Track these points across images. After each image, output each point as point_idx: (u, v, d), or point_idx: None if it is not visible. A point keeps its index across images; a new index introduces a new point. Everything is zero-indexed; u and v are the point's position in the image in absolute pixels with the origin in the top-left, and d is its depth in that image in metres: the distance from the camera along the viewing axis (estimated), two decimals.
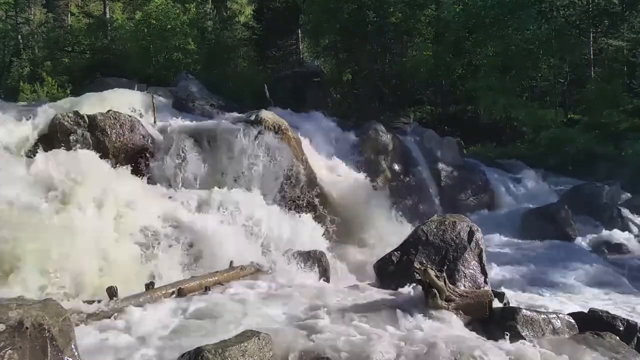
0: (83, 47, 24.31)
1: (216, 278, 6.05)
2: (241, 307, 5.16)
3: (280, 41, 23.35)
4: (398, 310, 5.04)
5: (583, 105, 19.38)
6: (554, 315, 5.30)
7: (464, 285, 6.13)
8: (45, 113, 9.06)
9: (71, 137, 8.64)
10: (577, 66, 20.45)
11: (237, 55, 23.93)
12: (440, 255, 6.47)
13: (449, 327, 4.83)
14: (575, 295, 8.28)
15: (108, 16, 25.09)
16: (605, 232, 11.95)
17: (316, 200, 9.64)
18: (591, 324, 5.36)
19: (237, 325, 4.58)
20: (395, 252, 6.77)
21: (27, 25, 26.42)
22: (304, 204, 9.42)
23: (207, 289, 5.80)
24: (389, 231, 10.28)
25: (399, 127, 16.01)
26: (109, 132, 8.90)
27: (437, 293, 5.04)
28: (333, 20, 20.13)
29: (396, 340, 4.37)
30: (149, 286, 5.55)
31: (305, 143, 10.85)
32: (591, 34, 19.94)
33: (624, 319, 5.57)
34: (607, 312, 5.68)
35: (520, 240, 11.60)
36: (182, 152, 9.23)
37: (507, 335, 4.88)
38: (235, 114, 11.79)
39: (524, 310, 5.19)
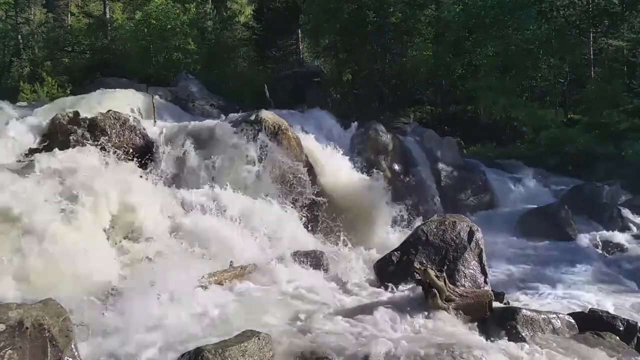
0: (83, 47, 24.31)
1: (216, 278, 6.05)
2: (241, 307, 5.16)
3: (280, 41, 23.36)
4: (398, 310, 5.04)
5: (583, 105, 19.36)
6: (554, 315, 5.30)
7: (464, 285, 6.13)
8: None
9: (71, 137, 8.64)
10: (577, 66, 20.43)
11: (237, 55, 23.93)
12: (440, 255, 6.47)
13: (449, 327, 4.83)
14: (575, 295, 8.27)
15: (108, 16, 25.09)
16: (605, 232, 11.93)
17: (317, 200, 9.62)
18: (591, 324, 5.37)
19: (237, 325, 4.58)
20: (395, 252, 6.77)
21: (27, 25, 26.42)
22: (305, 204, 9.41)
23: (206, 289, 5.79)
24: (390, 231, 10.30)
25: (399, 127, 16.00)
26: (109, 132, 8.90)
27: (437, 293, 5.05)
28: (333, 20, 20.12)
29: (396, 340, 4.37)
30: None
31: (307, 142, 10.86)
32: (591, 34, 19.92)
33: (624, 319, 5.58)
34: (607, 312, 5.69)
35: (520, 240, 11.59)
36: (182, 152, 9.23)
37: (507, 335, 4.89)
38: (235, 114, 11.78)
39: (524, 310, 5.19)
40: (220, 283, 6.01)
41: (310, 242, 8.28)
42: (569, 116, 19.32)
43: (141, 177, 8.14)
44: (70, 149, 8.23)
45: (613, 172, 14.54)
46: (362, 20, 19.73)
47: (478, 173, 14.67)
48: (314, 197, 9.62)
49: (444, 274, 5.43)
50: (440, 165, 14.19)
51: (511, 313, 5.15)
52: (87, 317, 4.53)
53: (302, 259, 7.03)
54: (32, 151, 8.46)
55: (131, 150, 9.01)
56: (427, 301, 5.08)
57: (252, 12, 25.88)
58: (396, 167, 13.31)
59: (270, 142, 9.47)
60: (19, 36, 24.49)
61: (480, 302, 5.25)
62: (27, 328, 3.38)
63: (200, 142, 9.49)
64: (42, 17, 28.69)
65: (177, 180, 8.94)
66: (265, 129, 9.58)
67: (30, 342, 3.37)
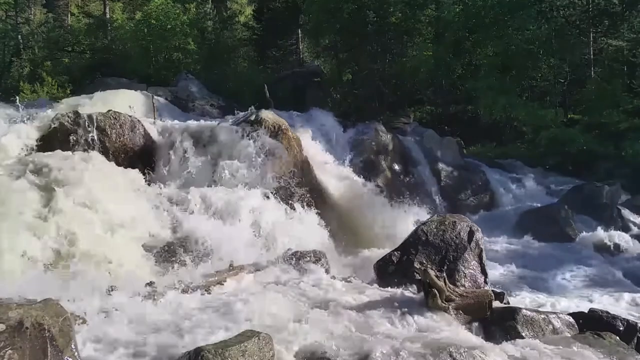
0: (83, 47, 24.30)
1: (216, 278, 6.05)
2: (241, 306, 5.15)
3: (280, 41, 23.36)
4: (398, 310, 5.04)
5: (583, 105, 19.34)
6: (554, 315, 5.30)
7: (464, 285, 6.13)
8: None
9: (71, 137, 8.64)
10: (577, 66, 20.41)
11: (237, 55, 23.93)
12: (440, 255, 6.47)
13: (449, 327, 4.83)
14: (575, 295, 8.27)
15: (108, 16, 25.08)
16: (605, 232, 11.93)
17: (316, 200, 9.62)
18: (591, 324, 5.37)
19: (237, 325, 4.58)
20: (395, 252, 6.76)
21: (27, 25, 26.40)
22: (304, 204, 9.41)
23: (207, 289, 5.80)
24: (389, 231, 10.30)
25: (399, 127, 16.01)
26: (109, 132, 8.90)
27: (437, 293, 5.05)
28: (333, 20, 20.12)
29: (396, 340, 4.37)
30: (149, 286, 5.55)
31: (307, 142, 10.88)
32: (591, 34, 19.91)
33: (624, 319, 5.58)
34: (607, 312, 5.68)
35: (520, 240, 11.58)
36: (182, 152, 9.23)
37: (507, 335, 4.89)
38: (235, 114, 11.79)
39: (524, 310, 5.20)
40: (220, 283, 6.02)
41: (310, 242, 8.26)
42: (569, 116, 19.30)
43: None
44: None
45: (613, 172, 14.54)
46: (362, 20, 19.72)
47: (478, 173, 14.68)
48: (313, 196, 9.61)
49: (444, 274, 5.43)
50: (440, 165, 14.20)
51: (511, 313, 5.15)
52: None
53: (302, 259, 7.03)
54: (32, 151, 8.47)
55: (131, 150, 9.02)
56: (427, 301, 5.08)
57: (252, 12, 25.87)
58: (396, 167, 13.31)
59: (270, 142, 9.47)
60: (19, 36, 24.45)
61: (480, 302, 5.25)
62: (27, 328, 3.37)
63: (200, 142, 9.50)
64: (42, 17, 28.68)
65: (177, 179, 8.94)
66: (265, 129, 9.59)
67: (30, 342, 3.37)
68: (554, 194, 14.21)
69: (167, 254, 7.02)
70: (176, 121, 11.26)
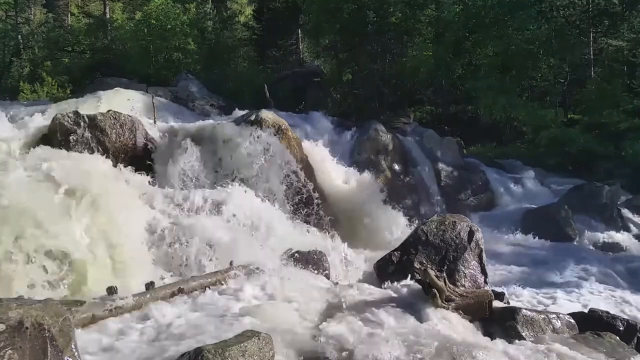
0: (83, 47, 24.32)
1: (216, 278, 6.05)
2: (241, 306, 5.16)
3: (280, 41, 23.37)
4: (398, 310, 5.04)
5: (583, 105, 19.36)
6: (554, 315, 5.31)
7: (464, 285, 6.14)
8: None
9: (71, 137, 8.64)
10: (577, 66, 20.42)
11: (237, 55, 23.94)
12: (440, 255, 6.47)
13: (449, 327, 4.83)
14: (575, 295, 8.27)
15: (108, 16, 25.09)
16: (605, 232, 11.95)
17: (316, 200, 9.62)
18: (591, 324, 5.37)
19: (237, 325, 4.58)
20: (395, 252, 6.77)
21: (27, 25, 26.42)
22: (304, 204, 9.41)
23: (207, 288, 5.80)
24: (389, 231, 10.30)
25: (399, 127, 16.00)
26: (109, 132, 8.90)
27: (437, 293, 5.05)
28: (333, 20, 20.13)
29: (396, 340, 4.37)
30: (149, 286, 5.54)
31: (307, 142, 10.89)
32: (591, 34, 19.92)
33: (624, 319, 5.58)
34: (607, 312, 5.68)
35: (520, 240, 11.59)
36: (182, 152, 9.22)
37: (507, 335, 4.89)
38: (235, 114, 11.79)
39: (524, 310, 5.20)
40: (220, 282, 6.02)
41: (310, 242, 8.26)
42: (569, 116, 19.31)
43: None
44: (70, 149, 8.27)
45: (613, 172, 14.55)
46: (362, 20, 19.73)
47: (478, 173, 14.68)
48: (313, 197, 9.61)
49: (444, 274, 5.43)
50: (440, 165, 14.20)
51: (511, 313, 5.15)
52: None
53: (302, 259, 7.03)
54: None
55: (131, 151, 9.01)
56: (427, 301, 5.08)
57: (252, 12, 25.88)
58: (396, 167, 13.31)
59: (270, 142, 9.47)
60: (19, 36, 24.47)
61: (480, 302, 5.25)
62: (27, 328, 3.37)
63: (200, 142, 9.49)
64: (42, 17, 28.70)
65: (176, 180, 8.93)
66: (265, 129, 9.59)
67: (30, 342, 3.36)
68: (554, 194, 14.21)
69: (167, 254, 7.02)
70: (176, 121, 11.27)
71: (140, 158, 8.97)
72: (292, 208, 9.17)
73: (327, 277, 7.02)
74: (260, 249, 7.46)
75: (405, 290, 5.70)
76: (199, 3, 23.69)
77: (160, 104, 13.78)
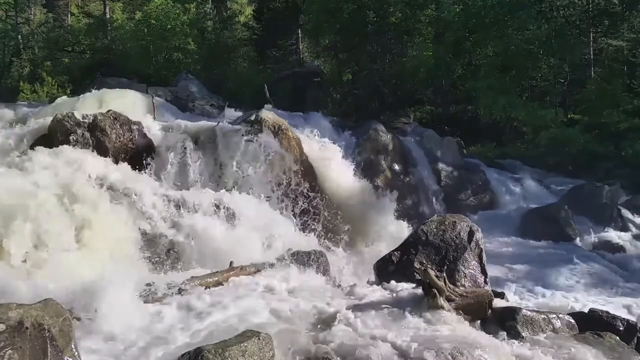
0: (83, 47, 24.32)
1: (216, 278, 6.05)
2: (241, 307, 5.16)
3: (280, 41, 23.36)
4: (398, 310, 5.04)
5: (583, 105, 19.35)
6: (554, 315, 5.30)
7: (464, 285, 6.13)
8: None
9: (71, 137, 8.64)
10: (577, 66, 20.43)
11: (237, 55, 23.95)
12: (440, 255, 6.46)
13: (449, 327, 4.82)
14: (575, 295, 8.26)
15: (108, 16, 25.09)
16: (605, 232, 11.94)
17: (316, 201, 9.62)
18: (591, 324, 5.36)
19: (237, 325, 4.58)
20: (395, 252, 6.76)
21: (27, 25, 26.42)
22: (304, 204, 9.40)
23: (206, 289, 5.80)
24: (389, 231, 10.30)
25: (399, 127, 15.98)
26: (108, 132, 8.90)
27: (437, 293, 5.04)
28: (333, 20, 20.14)
29: (396, 340, 4.37)
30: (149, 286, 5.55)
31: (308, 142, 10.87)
32: (591, 34, 19.92)
33: (624, 319, 5.58)
34: (607, 312, 5.68)
35: (520, 240, 11.58)
36: (182, 152, 9.22)
37: (507, 335, 4.89)
38: (235, 114, 11.79)
39: (524, 310, 5.19)
40: (220, 283, 6.02)
41: (310, 242, 8.27)
42: (569, 116, 19.31)
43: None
44: None
45: (613, 172, 14.54)
46: (362, 20, 19.74)
47: (478, 173, 14.67)
48: (314, 197, 9.61)
49: (444, 274, 5.42)
50: (440, 165, 14.19)
51: (511, 313, 5.15)
52: None
53: (302, 259, 7.03)
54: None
55: (131, 151, 9.01)
56: (427, 301, 5.08)
57: (252, 12, 25.88)
58: (396, 167, 13.29)
59: (270, 142, 9.47)
60: (19, 36, 24.47)
61: (480, 302, 5.24)
62: (27, 328, 3.37)
63: (200, 142, 9.49)
64: (42, 17, 28.70)
65: (176, 180, 8.94)
66: (265, 128, 9.58)
67: (30, 342, 3.37)
68: (554, 194, 14.20)
69: (167, 254, 7.03)
70: (176, 121, 11.25)
71: (140, 158, 8.97)
72: (291, 207, 9.16)
73: (327, 277, 7.03)
74: (260, 249, 7.47)
75: (405, 290, 5.70)
76: (199, 3, 23.69)
77: (160, 103, 13.77)
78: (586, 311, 5.80)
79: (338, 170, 10.68)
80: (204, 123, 10.53)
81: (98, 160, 8.28)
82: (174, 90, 17.10)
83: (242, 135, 9.45)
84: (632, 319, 5.82)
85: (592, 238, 11.79)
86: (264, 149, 9.35)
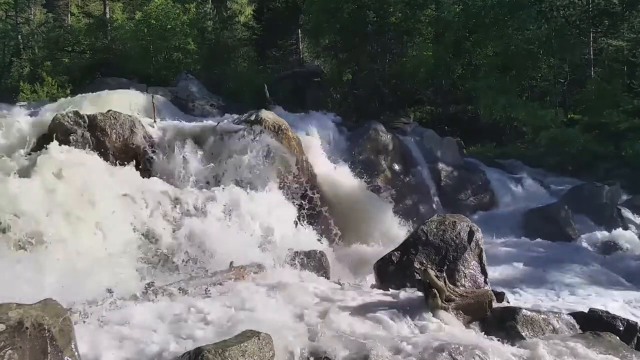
0: (83, 47, 24.30)
1: (216, 278, 6.05)
2: (241, 307, 5.16)
3: (280, 41, 23.35)
4: (398, 310, 5.04)
5: (583, 105, 19.34)
6: (554, 315, 5.30)
7: (464, 285, 6.13)
8: None
9: (71, 137, 8.64)
10: (577, 66, 20.41)
11: (237, 55, 23.93)
12: (440, 255, 6.46)
13: (449, 327, 4.83)
14: (575, 295, 8.28)
15: (108, 16, 25.07)
16: (605, 232, 11.95)
17: (317, 201, 9.63)
18: (591, 324, 5.36)
19: (238, 326, 4.58)
20: (395, 252, 6.76)
21: (27, 25, 26.41)
22: (304, 204, 9.41)
23: (207, 289, 5.80)
24: (389, 232, 10.30)
25: (399, 127, 16.00)
26: (109, 132, 8.90)
27: (437, 293, 5.04)
28: (333, 20, 20.14)
29: (396, 340, 4.37)
30: (149, 286, 5.54)
31: (308, 142, 10.90)
32: (591, 34, 19.91)
33: (624, 319, 5.57)
34: (607, 312, 5.67)
35: (520, 240, 11.60)
36: (182, 152, 9.23)
37: (507, 335, 4.89)
38: (235, 114, 11.79)
39: (524, 310, 5.19)
40: (220, 283, 6.01)
41: (310, 242, 8.27)
42: (569, 116, 19.30)
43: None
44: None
45: (613, 172, 14.55)
46: (362, 20, 19.74)
47: (478, 173, 14.68)
48: (314, 196, 9.61)
49: (444, 274, 5.42)
50: (440, 165, 14.20)
51: (511, 313, 5.14)
52: None
53: (302, 259, 7.04)
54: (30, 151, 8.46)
55: (131, 151, 9.01)
56: (427, 301, 5.07)
57: (252, 12, 25.87)
58: (396, 167, 13.32)
59: (270, 142, 9.47)
60: (19, 36, 24.47)
61: (480, 302, 5.24)
62: (27, 328, 3.37)
63: (200, 142, 9.50)
64: (42, 17, 28.68)
65: (177, 180, 8.94)
66: (265, 128, 9.58)
67: (30, 342, 3.36)
68: (554, 194, 14.21)
69: (167, 254, 7.03)
70: (176, 121, 11.26)
71: (140, 157, 8.97)
72: (291, 207, 9.16)
73: (327, 277, 7.03)
74: (260, 249, 7.47)
75: (405, 290, 5.70)
76: (199, 3, 23.68)
77: (160, 103, 13.78)
78: (586, 311, 5.79)
79: (317, 161, 10.73)
80: (204, 123, 10.54)
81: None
82: (174, 90, 17.14)
83: (243, 135, 9.46)
84: (632, 318, 5.82)
85: (592, 238, 11.80)
86: (264, 148, 9.35)
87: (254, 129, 9.55)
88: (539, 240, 11.48)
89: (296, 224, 8.86)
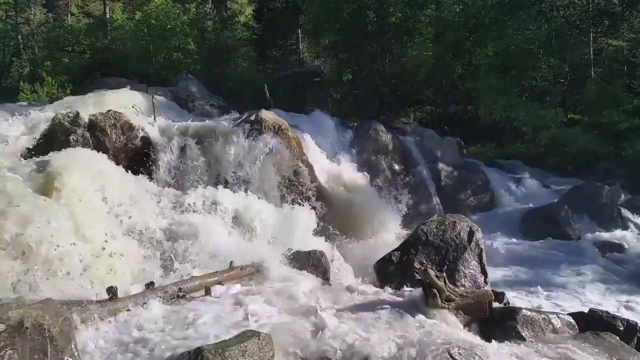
0: (83, 47, 24.30)
1: (216, 278, 6.05)
2: (241, 307, 5.16)
3: (280, 41, 23.35)
4: (398, 310, 5.04)
5: (583, 105, 19.34)
6: (554, 315, 5.31)
7: (464, 285, 6.13)
8: None
9: (71, 137, 8.64)
10: (577, 66, 20.40)
11: (237, 55, 23.93)
12: (440, 255, 6.46)
13: (449, 327, 4.83)
14: (575, 295, 8.28)
15: (108, 16, 25.08)
16: (605, 232, 11.95)
17: (317, 200, 9.62)
18: (591, 324, 5.37)
19: (237, 326, 4.58)
20: (395, 252, 6.76)
21: (27, 25, 26.41)
22: (305, 204, 9.40)
23: (207, 289, 5.80)
24: (389, 231, 10.30)
25: (399, 127, 16.00)
26: (109, 132, 8.90)
27: (437, 293, 5.04)
28: (333, 20, 20.14)
29: (396, 340, 4.37)
30: (149, 286, 5.54)
31: (309, 143, 10.90)
32: (591, 34, 19.90)
33: (624, 319, 5.58)
34: (607, 312, 5.68)
35: (520, 240, 11.60)
36: (182, 152, 9.22)
37: (507, 335, 4.89)
38: (235, 114, 11.80)
39: (524, 310, 5.20)
40: (220, 283, 6.01)
41: (310, 242, 8.26)
42: (569, 116, 19.29)
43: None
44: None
45: (613, 172, 14.54)
46: (362, 20, 19.74)
47: (478, 173, 14.68)
48: (314, 196, 9.61)
49: (444, 274, 5.43)
50: (440, 165, 14.20)
51: (511, 313, 5.15)
52: None
53: (302, 259, 7.03)
54: (30, 151, 8.46)
55: (131, 150, 9.01)
56: (427, 301, 5.08)
57: (252, 12, 25.87)
58: (396, 167, 13.31)
59: (270, 142, 9.47)
60: (19, 36, 24.47)
61: (480, 302, 5.25)
62: (27, 328, 3.37)
63: (200, 142, 9.49)
64: (42, 17, 28.67)
65: (177, 180, 8.94)
66: (265, 129, 9.58)
67: (30, 342, 3.36)
68: (554, 194, 14.21)
69: (167, 254, 7.02)
70: (176, 121, 11.26)
71: (140, 157, 8.97)
72: (291, 207, 9.16)
73: (327, 276, 7.02)
74: (260, 249, 7.46)
75: (405, 290, 5.70)
76: (199, 3, 23.68)
77: (160, 103, 13.78)
78: (586, 311, 5.80)
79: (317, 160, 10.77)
80: (205, 123, 10.54)
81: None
82: (174, 90, 17.14)
83: (242, 134, 9.46)
84: (632, 318, 5.82)
85: (592, 238, 11.79)
86: (264, 148, 9.35)
87: (254, 129, 9.54)
88: (539, 240, 11.48)
89: (296, 224, 8.84)
